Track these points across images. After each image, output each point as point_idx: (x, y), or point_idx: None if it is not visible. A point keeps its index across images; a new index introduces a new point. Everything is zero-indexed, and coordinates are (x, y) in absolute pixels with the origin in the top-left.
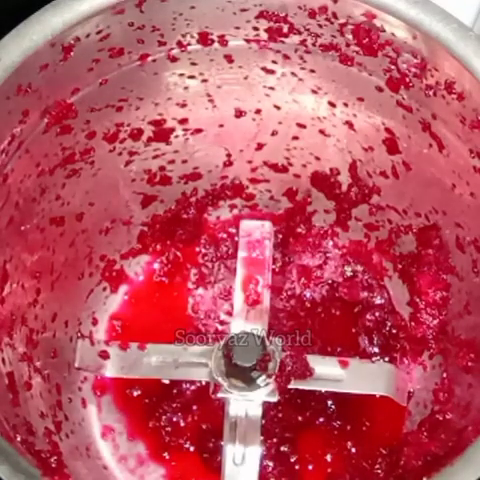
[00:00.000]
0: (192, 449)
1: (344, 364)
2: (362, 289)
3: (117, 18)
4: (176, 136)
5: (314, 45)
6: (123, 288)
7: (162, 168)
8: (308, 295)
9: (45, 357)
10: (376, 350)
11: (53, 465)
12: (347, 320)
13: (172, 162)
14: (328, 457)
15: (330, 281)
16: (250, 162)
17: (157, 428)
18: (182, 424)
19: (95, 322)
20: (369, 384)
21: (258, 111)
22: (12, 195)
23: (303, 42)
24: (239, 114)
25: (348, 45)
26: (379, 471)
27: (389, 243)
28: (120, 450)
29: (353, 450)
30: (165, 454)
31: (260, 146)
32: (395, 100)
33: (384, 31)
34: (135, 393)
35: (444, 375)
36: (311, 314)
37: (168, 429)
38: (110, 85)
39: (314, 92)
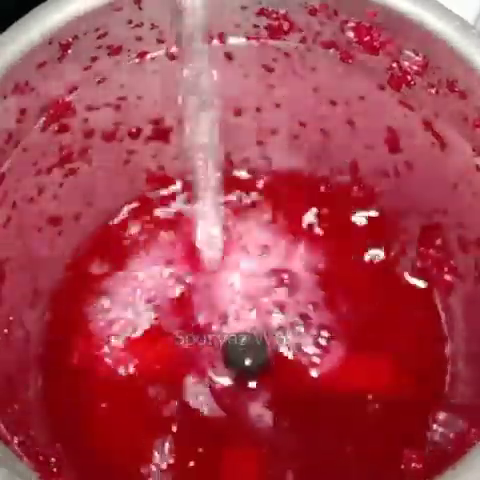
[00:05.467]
0: None
1: None
2: None
3: (115, 15)
4: (175, 135)
5: (315, 43)
6: None
7: (161, 167)
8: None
9: (43, 359)
10: None
11: (51, 468)
12: None
13: (172, 161)
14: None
15: None
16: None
17: None
18: None
19: None
20: None
21: (258, 109)
22: (9, 194)
23: (304, 40)
24: (239, 112)
25: (349, 43)
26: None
27: None
28: None
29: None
30: None
31: (260, 145)
32: (397, 98)
33: (385, 29)
34: None
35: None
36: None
37: None
38: (108, 83)
39: (315, 90)
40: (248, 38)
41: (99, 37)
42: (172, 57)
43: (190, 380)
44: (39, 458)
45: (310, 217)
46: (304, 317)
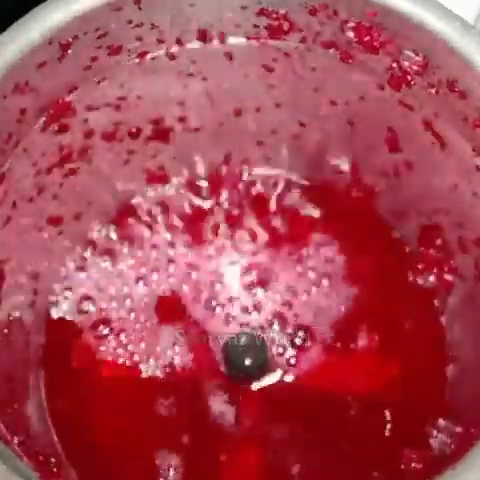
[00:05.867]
0: None
1: None
2: None
3: (115, 15)
4: (175, 135)
5: (315, 43)
6: None
7: (161, 167)
8: None
9: (43, 359)
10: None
11: (51, 468)
12: None
13: (171, 161)
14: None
15: None
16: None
17: None
18: None
19: None
20: None
21: (258, 109)
22: (9, 194)
23: (304, 40)
24: (239, 112)
25: (349, 43)
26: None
27: None
28: None
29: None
30: None
31: (260, 145)
32: (397, 98)
33: (385, 29)
34: None
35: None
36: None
37: None
38: (108, 83)
39: (315, 90)
40: (248, 38)
41: (99, 37)
42: (172, 57)
43: (189, 380)
44: (39, 458)
45: (310, 216)
46: (304, 319)
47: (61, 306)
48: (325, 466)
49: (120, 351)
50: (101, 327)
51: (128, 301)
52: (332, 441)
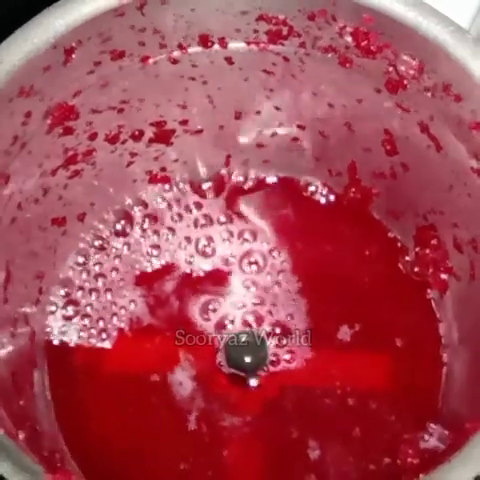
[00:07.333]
0: None
1: None
2: None
3: (118, 21)
4: (177, 137)
5: (313, 47)
6: None
7: (163, 169)
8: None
9: (48, 357)
10: None
11: (56, 463)
12: None
13: (173, 163)
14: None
15: None
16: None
17: None
18: None
19: None
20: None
21: (258, 112)
22: (14, 196)
23: (302, 44)
24: (239, 115)
25: (347, 47)
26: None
27: None
28: None
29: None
30: None
31: (260, 147)
32: (393, 102)
33: (383, 34)
34: None
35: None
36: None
37: None
38: (111, 87)
39: (314, 94)
40: (248, 43)
41: (102, 42)
42: (174, 61)
43: (190, 379)
44: (43, 453)
45: (307, 215)
46: (302, 315)
47: (62, 304)
48: (325, 464)
49: (122, 352)
50: (105, 325)
51: (132, 305)
52: (332, 437)
